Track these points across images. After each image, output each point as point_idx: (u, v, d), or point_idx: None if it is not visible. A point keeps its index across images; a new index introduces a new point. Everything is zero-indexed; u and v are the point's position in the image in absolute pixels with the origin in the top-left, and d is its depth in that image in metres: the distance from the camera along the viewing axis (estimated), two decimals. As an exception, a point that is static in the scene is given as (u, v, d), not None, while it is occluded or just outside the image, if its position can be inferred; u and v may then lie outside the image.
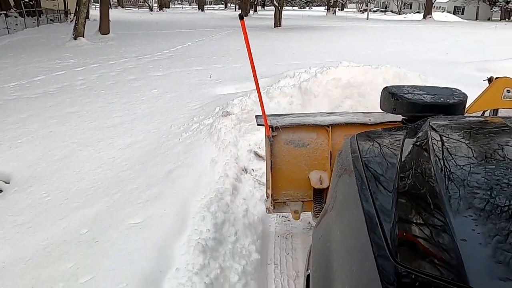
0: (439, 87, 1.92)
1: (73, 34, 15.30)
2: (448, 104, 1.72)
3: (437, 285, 0.62)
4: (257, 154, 3.75)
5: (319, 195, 2.36)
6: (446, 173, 0.97)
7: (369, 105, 4.68)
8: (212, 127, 3.92)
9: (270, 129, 2.33)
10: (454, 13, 53.90)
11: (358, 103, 4.59)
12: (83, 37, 15.42)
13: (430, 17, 38.05)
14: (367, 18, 40.33)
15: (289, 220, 3.00)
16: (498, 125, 1.37)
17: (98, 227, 2.46)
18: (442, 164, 1.02)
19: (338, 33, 20.84)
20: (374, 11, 62.35)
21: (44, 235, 2.49)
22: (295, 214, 2.46)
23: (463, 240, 0.69)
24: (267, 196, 2.54)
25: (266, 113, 2.29)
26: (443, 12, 53.89)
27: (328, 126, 2.33)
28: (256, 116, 2.46)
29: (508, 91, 3.03)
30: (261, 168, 3.61)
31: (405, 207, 0.89)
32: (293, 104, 4.29)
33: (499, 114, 3.14)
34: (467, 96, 1.82)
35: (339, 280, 0.84)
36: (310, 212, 2.53)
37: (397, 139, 1.33)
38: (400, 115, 1.97)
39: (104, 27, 18.23)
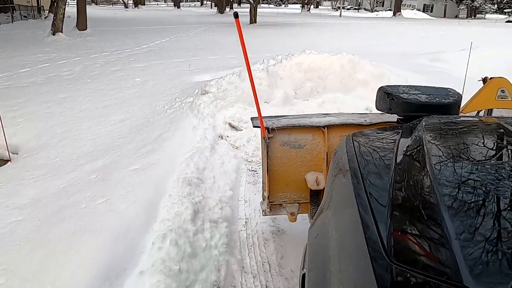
0: (435, 87, 1.91)
1: (52, 30, 15.55)
2: (443, 104, 1.71)
3: (431, 284, 0.63)
4: (231, 125, 4.47)
5: (316, 196, 2.34)
6: (441, 173, 0.97)
7: (327, 86, 5.49)
8: (192, 103, 4.63)
9: (266, 130, 2.32)
10: (423, 11, 55.95)
11: (317, 84, 5.37)
12: (62, 32, 15.70)
13: (400, 15, 39.63)
14: (340, 15, 41.57)
15: (256, 173, 3.75)
16: (493, 125, 1.35)
17: (105, 173, 3.13)
18: (437, 164, 1.02)
19: (311, 29, 21.74)
20: (348, 9, 63.89)
21: (61, 181, 3.14)
22: (291, 216, 2.44)
23: (457, 239, 0.69)
24: (263, 198, 2.52)
25: (260, 114, 2.29)
26: (413, 10, 55.88)
27: (323, 127, 2.34)
28: (252, 118, 2.43)
29: (503, 91, 2.99)
30: (234, 135, 4.35)
31: (400, 207, 0.89)
32: (261, 85, 5.03)
33: (493, 114, 3.08)
34: (461, 96, 1.81)
35: (334, 279, 0.84)
36: (307, 214, 2.52)
37: (392, 139, 1.33)
38: (396, 115, 1.98)
39: (82, 23, 18.50)
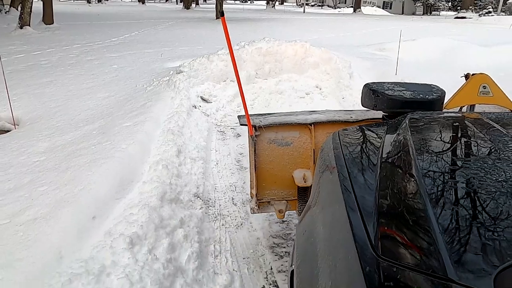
0: (419, 84, 1.94)
1: (19, 23, 15.70)
2: (427, 100, 1.74)
3: (417, 277, 0.64)
4: (202, 98, 5.36)
5: (304, 193, 2.36)
6: (425, 168, 0.98)
7: (283, 68, 6.47)
8: (169, 81, 5.47)
9: (253, 128, 2.34)
10: (383, 8, 58.44)
11: (275, 66, 6.34)
12: (29, 26, 15.88)
13: (360, 11, 41.50)
14: (304, 12, 42.92)
15: (224, 133, 4.66)
16: (475, 120, 1.36)
17: (103, 129, 3.94)
18: (422, 158, 1.03)
19: (275, 24, 22.77)
20: (312, 5, 65.63)
21: (68, 136, 3.92)
22: (279, 214, 2.45)
23: (442, 232, 0.71)
24: (251, 196, 2.54)
25: (247, 112, 2.32)
26: (373, 7, 58.26)
27: (310, 124, 2.38)
28: (239, 116, 2.47)
29: (484, 87, 3.03)
30: (205, 106, 5.27)
31: (386, 202, 0.90)
32: (227, 67, 5.93)
33: (476, 110, 3.16)
34: (445, 93, 1.85)
35: (323, 274, 0.85)
36: (295, 211, 2.56)
37: (378, 135, 1.34)
38: (381, 112, 2.02)
39: (48, 17, 18.62)
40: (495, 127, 1.22)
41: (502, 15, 27.39)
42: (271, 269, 2.50)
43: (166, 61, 8.36)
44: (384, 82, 1.94)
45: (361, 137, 1.42)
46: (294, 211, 2.57)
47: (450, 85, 6.40)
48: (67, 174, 2.91)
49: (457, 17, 30.51)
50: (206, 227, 2.84)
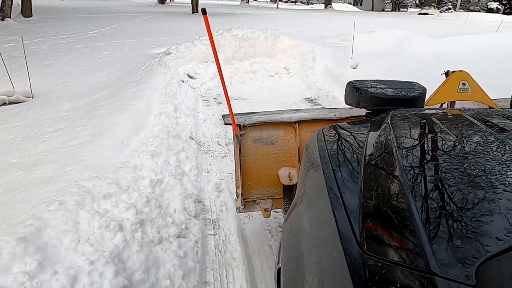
0: (401, 81, 1.94)
1: (0, 15, 16.13)
2: (408, 98, 1.75)
3: (401, 271, 0.66)
4: (188, 75, 6.41)
5: (289, 191, 2.37)
6: (408, 163, 1.01)
7: (256, 52, 7.57)
8: (160, 61, 6.49)
9: (238, 127, 2.34)
10: (354, 4, 60.34)
11: (249, 50, 7.44)
12: (10, 18, 16.32)
13: (331, 7, 43.11)
14: (277, 7, 44.17)
15: (208, 102, 5.73)
16: (455, 116, 1.40)
17: (111, 95, 4.93)
18: (404, 155, 1.05)
19: (249, 19, 23.82)
20: (286, 1, 66.95)
21: (83, 101, 4.89)
22: (265, 212, 2.45)
23: (425, 228, 0.73)
24: (237, 196, 2.54)
25: (231, 112, 2.29)
26: (344, 3, 60.12)
27: (295, 123, 2.38)
28: (223, 116, 2.44)
29: (464, 84, 3.09)
30: (191, 81, 6.31)
31: (370, 198, 0.91)
32: (208, 50, 6.97)
33: (456, 106, 3.29)
34: (426, 90, 1.87)
35: (309, 272, 0.86)
36: (281, 209, 2.56)
37: (362, 132, 1.37)
38: (364, 110, 2.02)
39: (27, 10, 19.00)
40: (474, 123, 1.24)
41: (461, 11, 29.45)
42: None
43: (151, 48, 9.31)
44: (366, 80, 1.93)
45: (345, 135, 1.42)
46: (280, 209, 2.60)
47: (397, 67, 7.70)
48: (94, 120, 3.92)
49: (420, 13, 32.48)
50: (200, 156, 3.92)
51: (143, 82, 5.36)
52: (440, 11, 31.86)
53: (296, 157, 2.41)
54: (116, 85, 5.58)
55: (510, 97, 2.59)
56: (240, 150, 2.40)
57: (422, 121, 1.39)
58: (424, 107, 1.96)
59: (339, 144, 1.35)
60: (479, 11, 29.41)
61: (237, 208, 2.54)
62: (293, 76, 7.29)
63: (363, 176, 1.00)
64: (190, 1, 28.01)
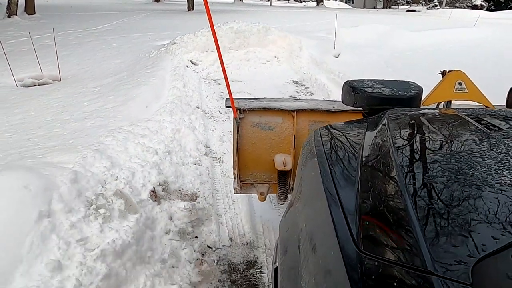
0: (397, 81, 1.97)
1: (7, 13, 17.02)
2: (405, 97, 1.77)
3: (398, 270, 0.66)
4: (191, 62, 7.45)
5: (283, 177, 2.46)
6: (404, 163, 1.01)
7: (250, 43, 8.61)
8: (167, 49, 7.52)
9: (238, 111, 2.44)
10: (346, 2, 61.43)
11: (243, 41, 8.48)
12: (16, 15, 17.21)
13: (322, 4, 44.27)
14: (270, 5, 45.23)
15: (209, 83, 6.77)
16: (452, 116, 1.40)
17: (130, 75, 5.95)
18: (400, 155, 1.06)
19: (243, 16, 24.77)
20: (279, -1, 68.00)
21: (107, 80, 5.90)
22: (261, 196, 2.56)
23: (421, 227, 0.73)
24: (234, 177, 2.64)
25: (231, 95, 2.40)
26: (336, 1, 61.20)
27: (293, 111, 2.45)
28: (226, 99, 2.50)
29: (460, 84, 3.08)
30: (194, 66, 7.34)
31: (367, 198, 0.92)
32: (208, 40, 8.01)
33: (452, 106, 3.28)
34: (422, 89, 1.89)
35: (306, 271, 0.87)
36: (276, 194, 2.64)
37: (359, 131, 1.37)
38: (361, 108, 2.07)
39: (30, 7, 19.86)
40: (470, 122, 1.24)
41: (447, 8, 30.70)
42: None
43: (156, 41, 10.32)
44: (363, 80, 1.94)
45: (342, 134, 1.43)
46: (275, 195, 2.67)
47: (376, 56, 8.76)
48: (121, 92, 4.95)
49: (408, 10, 33.66)
50: (206, 120, 4.96)
51: (155, 66, 6.39)
52: (427, 8, 33.08)
53: (292, 145, 2.48)
54: (132, 68, 6.59)
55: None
56: (238, 132, 2.49)
57: (418, 121, 1.39)
58: (421, 107, 1.95)
59: (336, 143, 1.36)
60: (465, 8, 30.65)
61: (234, 189, 2.66)
62: (282, 63, 8.34)
63: (360, 176, 1.01)
64: (186, 0, 28.97)
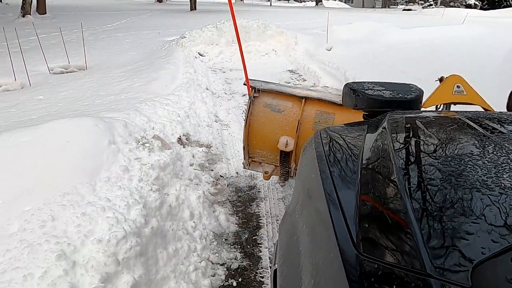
0: (398, 83, 1.97)
1: (21, 12, 18.02)
2: (406, 100, 1.77)
3: (397, 273, 0.66)
4: (199, 53, 8.46)
5: (284, 158, 2.67)
6: (405, 166, 1.02)
7: (250, 37, 9.61)
8: (177, 43, 8.54)
9: (253, 90, 2.72)
10: (345, 2, 62.27)
11: (245, 36, 9.48)
12: (30, 15, 18.22)
13: (321, 4, 45.27)
14: (270, 5, 46.27)
15: (214, 71, 7.77)
16: (451, 118, 1.41)
17: (148, 64, 6.94)
18: (400, 156, 1.07)
19: (244, 15, 25.79)
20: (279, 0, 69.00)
21: (128, 67, 6.90)
22: (265, 175, 2.81)
23: (421, 230, 0.73)
24: (244, 153, 2.91)
25: (247, 75, 2.83)
26: (335, 0, 62.13)
27: (302, 98, 2.68)
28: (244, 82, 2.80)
29: (458, 87, 3.20)
30: (202, 57, 8.34)
31: (367, 200, 0.92)
32: (214, 35, 9.01)
33: (451, 109, 3.35)
34: (423, 92, 1.89)
35: (306, 273, 0.87)
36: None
37: (359, 134, 1.38)
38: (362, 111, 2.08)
39: (41, 7, 20.84)
40: (471, 125, 1.25)
41: (442, 7, 31.62)
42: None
43: (165, 37, 11.33)
44: (364, 82, 1.95)
45: (343, 136, 1.43)
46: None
47: (365, 49, 9.73)
48: (143, 75, 5.95)
49: (404, 9, 34.63)
50: (214, 98, 5.95)
51: (168, 56, 7.38)
52: (423, 7, 34.04)
53: (295, 129, 2.66)
54: (148, 58, 7.59)
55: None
56: (249, 109, 2.74)
57: (419, 124, 1.39)
58: (421, 109, 1.95)
59: (336, 145, 1.37)
60: (459, 7, 31.60)
61: (243, 163, 2.99)
62: (279, 56, 9.33)
63: (360, 178, 1.00)
64: (188, 0, 29.97)
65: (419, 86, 1.88)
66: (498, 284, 0.62)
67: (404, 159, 1.07)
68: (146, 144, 3.27)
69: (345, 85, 1.91)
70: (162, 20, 18.89)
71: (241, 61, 3.03)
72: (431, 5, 34.37)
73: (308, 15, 25.53)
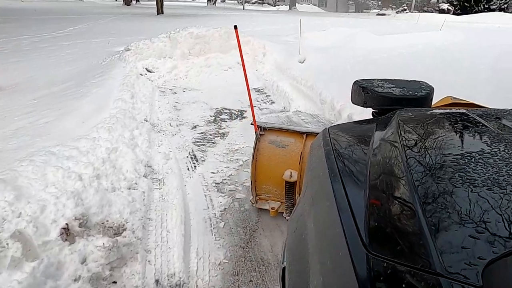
0: (408, 80, 1.95)
1: (-40, 17, 16.04)
2: (416, 97, 1.74)
3: (407, 272, 0.66)
4: (147, 69, 7.03)
5: (289, 189, 2.78)
6: (415, 164, 1.00)
7: (211, 48, 8.26)
8: (120, 56, 7.09)
9: (259, 129, 2.95)
10: (319, 6, 62.05)
11: (204, 47, 8.13)
12: (-29, 19, 16.26)
13: (295, 8, 44.42)
14: (243, 8, 44.99)
15: (164, 92, 6.37)
16: (461, 116, 1.40)
17: (76, 84, 5.50)
18: (411, 155, 1.05)
19: (213, 19, 24.44)
20: (253, 3, 67.94)
21: (46, 91, 5.44)
22: (272, 211, 2.93)
23: (431, 228, 0.73)
24: (251, 190, 3.04)
25: (254, 114, 3.11)
26: (309, 4, 61.75)
27: (303, 133, 2.91)
28: (251, 123, 3.05)
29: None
30: (149, 75, 6.92)
31: (375, 198, 0.91)
32: (166, 46, 7.61)
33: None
34: (434, 89, 1.85)
35: (314, 271, 0.87)
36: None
37: (368, 131, 1.36)
38: (371, 109, 2.03)
39: (-13, 11, 18.87)
40: (482, 122, 1.25)
41: (415, 12, 31.23)
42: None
43: (114, 47, 9.83)
44: (373, 79, 1.92)
45: (352, 134, 1.42)
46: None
47: (339, 57, 8.57)
48: (59, 105, 4.53)
49: (378, 14, 34.12)
50: (152, 134, 4.58)
51: (104, 74, 5.96)
52: (396, 12, 33.61)
53: (298, 162, 2.82)
54: (82, 76, 6.14)
55: None
56: (256, 146, 2.94)
57: (429, 121, 1.36)
58: (432, 107, 1.89)
59: (346, 143, 1.34)
60: (432, 12, 31.27)
61: (251, 201, 3.10)
62: (245, 70, 8.02)
63: (369, 176, 1.00)
64: (155, 3, 28.32)
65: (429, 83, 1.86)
66: (510, 283, 0.62)
67: (414, 158, 1.04)
68: (-12, 257, 1.88)
69: (354, 82, 1.90)
70: (122, 25, 17.29)
71: (249, 100, 3.12)
72: (404, 9, 33.98)
73: (280, 20, 24.39)
